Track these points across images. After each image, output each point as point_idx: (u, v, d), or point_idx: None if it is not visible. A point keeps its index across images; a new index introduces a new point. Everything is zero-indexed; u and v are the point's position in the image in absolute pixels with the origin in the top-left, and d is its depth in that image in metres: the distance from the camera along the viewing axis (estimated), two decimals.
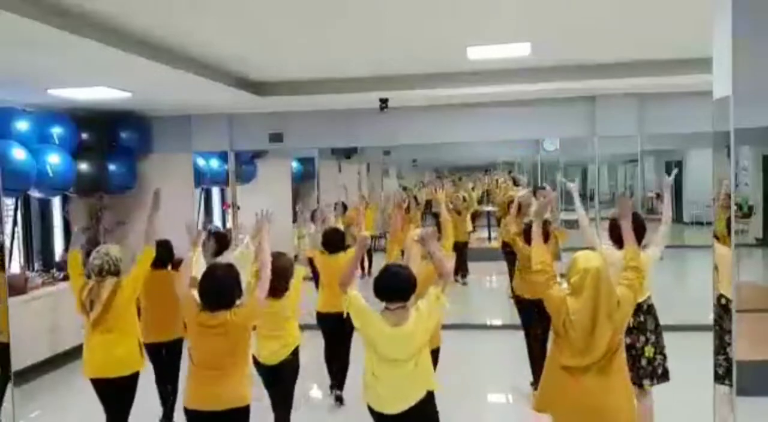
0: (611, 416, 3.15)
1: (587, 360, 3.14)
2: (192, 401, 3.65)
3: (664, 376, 4.59)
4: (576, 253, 3.41)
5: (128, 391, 4.46)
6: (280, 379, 4.62)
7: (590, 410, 3.15)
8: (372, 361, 3.50)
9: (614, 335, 3.16)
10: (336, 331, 5.76)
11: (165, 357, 5.25)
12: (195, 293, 3.69)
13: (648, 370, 4.46)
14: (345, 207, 9.81)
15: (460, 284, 9.82)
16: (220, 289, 3.61)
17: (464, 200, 10.15)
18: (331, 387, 6.00)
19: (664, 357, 4.62)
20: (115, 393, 4.41)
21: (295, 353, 4.66)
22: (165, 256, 5.14)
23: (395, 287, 3.45)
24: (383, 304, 3.49)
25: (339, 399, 5.88)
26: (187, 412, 3.68)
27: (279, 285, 4.35)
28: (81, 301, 4.33)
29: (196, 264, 4.03)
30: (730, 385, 2.96)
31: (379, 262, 9.48)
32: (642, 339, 4.47)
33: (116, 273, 4.40)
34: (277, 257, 4.40)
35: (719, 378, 3.11)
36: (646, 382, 4.38)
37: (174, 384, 5.34)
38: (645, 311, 4.52)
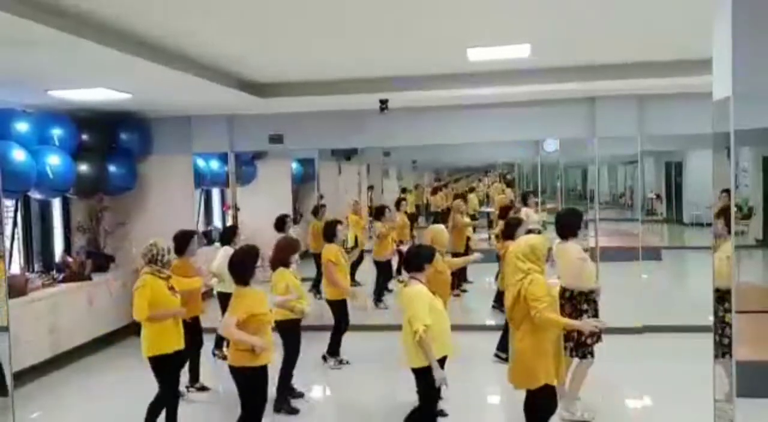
0: (516, 357, 4.20)
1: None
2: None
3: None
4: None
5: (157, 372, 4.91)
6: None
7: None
8: None
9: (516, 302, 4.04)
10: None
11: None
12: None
13: (569, 346, 5.12)
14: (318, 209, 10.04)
15: (458, 292, 9.67)
16: (233, 267, 4.43)
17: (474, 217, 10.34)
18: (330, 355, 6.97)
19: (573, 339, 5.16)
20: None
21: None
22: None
23: (412, 261, 4.56)
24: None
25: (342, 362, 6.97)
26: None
27: (283, 258, 5.55)
28: None
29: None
30: (729, 357, 2.95)
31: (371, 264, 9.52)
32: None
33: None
34: (285, 238, 6.03)
35: (721, 352, 3.10)
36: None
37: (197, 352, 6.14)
38: (567, 298, 5.23)
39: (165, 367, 4.87)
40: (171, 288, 4.94)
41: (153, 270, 4.88)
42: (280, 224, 8.09)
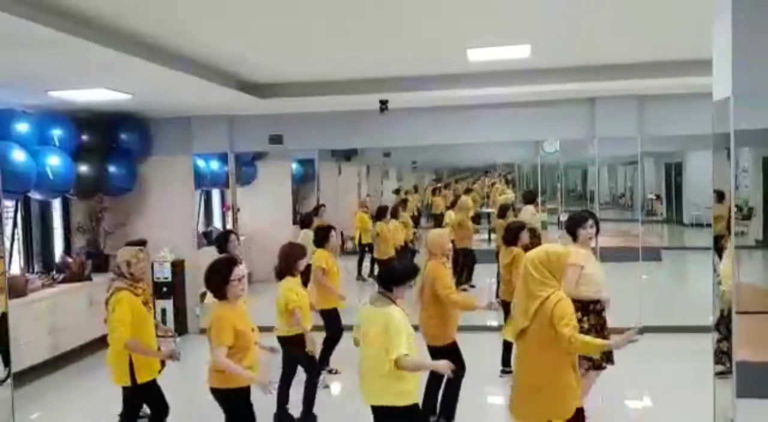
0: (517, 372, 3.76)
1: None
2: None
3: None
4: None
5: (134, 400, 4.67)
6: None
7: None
8: None
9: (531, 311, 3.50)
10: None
11: None
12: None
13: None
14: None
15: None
16: (206, 280, 4.07)
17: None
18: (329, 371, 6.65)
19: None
20: None
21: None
22: None
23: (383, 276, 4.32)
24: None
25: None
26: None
27: (287, 266, 5.22)
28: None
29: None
30: (730, 370, 2.95)
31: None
32: None
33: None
34: (289, 243, 5.54)
35: (720, 361, 3.11)
36: None
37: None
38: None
39: (137, 394, 4.52)
40: (146, 304, 4.53)
41: (127, 285, 4.41)
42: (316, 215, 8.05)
